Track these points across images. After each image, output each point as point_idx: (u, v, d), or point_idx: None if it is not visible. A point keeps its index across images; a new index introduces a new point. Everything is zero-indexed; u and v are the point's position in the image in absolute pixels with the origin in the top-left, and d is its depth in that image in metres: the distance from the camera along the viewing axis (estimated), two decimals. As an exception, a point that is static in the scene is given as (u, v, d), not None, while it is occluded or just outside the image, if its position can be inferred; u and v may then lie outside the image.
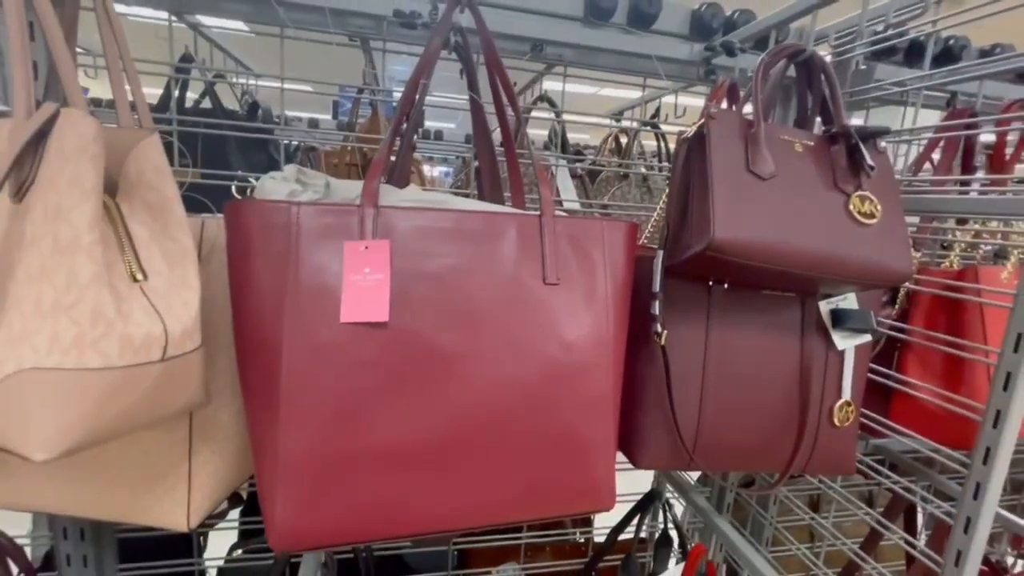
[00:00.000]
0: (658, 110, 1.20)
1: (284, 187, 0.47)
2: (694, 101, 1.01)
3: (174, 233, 0.40)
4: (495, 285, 0.48)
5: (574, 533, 1.23)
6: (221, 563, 1.01)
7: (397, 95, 0.67)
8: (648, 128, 1.16)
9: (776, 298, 0.66)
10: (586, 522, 1.19)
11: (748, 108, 0.62)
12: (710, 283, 0.65)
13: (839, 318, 0.65)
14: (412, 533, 0.45)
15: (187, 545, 1.00)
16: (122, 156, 0.40)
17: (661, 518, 0.97)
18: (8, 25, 0.41)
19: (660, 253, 0.61)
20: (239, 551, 1.00)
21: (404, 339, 0.45)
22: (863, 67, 0.85)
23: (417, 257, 0.47)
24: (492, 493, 0.47)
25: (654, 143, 1.27)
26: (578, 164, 1.20)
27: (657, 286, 0.60)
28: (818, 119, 0.68)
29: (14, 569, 0.73)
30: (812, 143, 0.60)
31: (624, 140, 1.24)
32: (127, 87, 0.53)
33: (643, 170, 1.18)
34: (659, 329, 0.60)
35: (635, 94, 1.09)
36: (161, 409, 0.40)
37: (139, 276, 0.38)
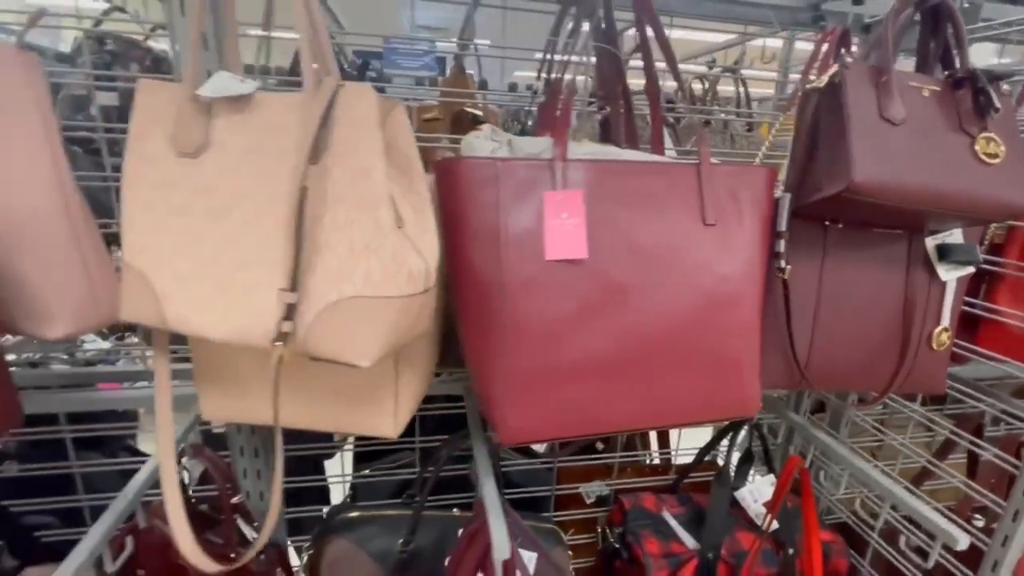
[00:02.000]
0: (741, 55, 1.22)
1: (487, 145, 0.54)
2: (775, 44, 1.02)
3: (418, 187, 0.48)
4: (664, 226, 0.56)
5: (646, 454, 1.36)
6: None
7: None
8: (729, 74, 1.18)
9: (885, 235, 0.72)
10: (664, 444, 1.32)
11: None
12: (826, 222, 0.71)
13: (945, 252, 0.71)
14: (605, 431, 0.55)
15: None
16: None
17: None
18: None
19: (787, 196, 0.67)
20: (367, 470, 1.15)
21: (593, 273, 0.54)
22: (967, 5, 0.86)
23: (600, 202, 0.54)
24: (663, 400, 0.56)
25: (729, 89, 1.29)
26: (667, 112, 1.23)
27: (783, 225, 0.67)
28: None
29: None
30: (938, 88, 0.64)
31: (700, 87, 1.26)
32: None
33: (723, 116, 1.21)
34: (783, 265, 0.68)
35: (708, 37, 1.10)
36: (414, 331, 0.49)
37: (400, 224, 0.46)
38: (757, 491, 1.02)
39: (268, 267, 0.46)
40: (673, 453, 1.25)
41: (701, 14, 0.87)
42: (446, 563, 0.88)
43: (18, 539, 0.84)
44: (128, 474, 1.07)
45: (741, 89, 1.26)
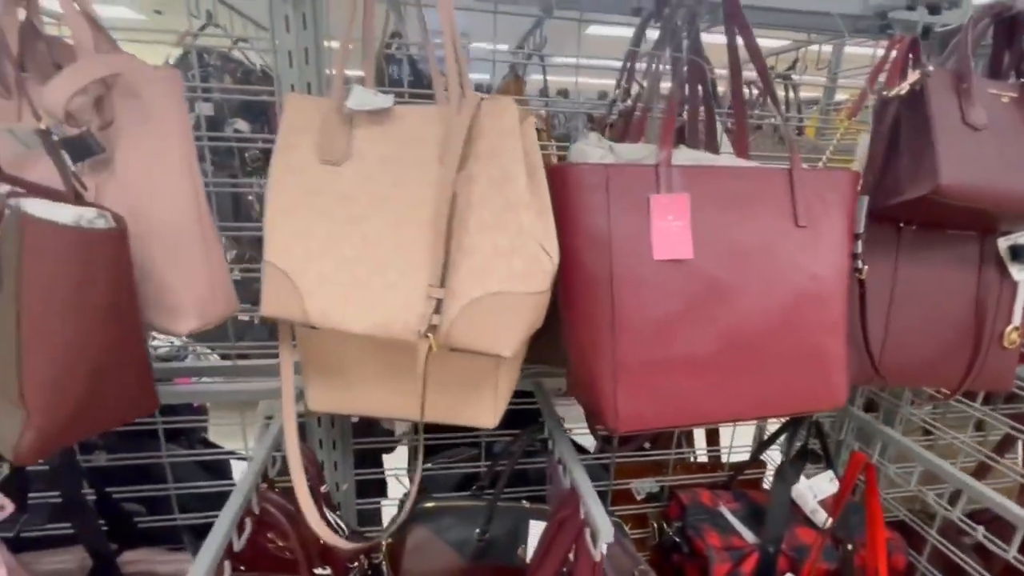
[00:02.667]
0: (795, 61, 1.24)
1: (596, 151, 0.58)
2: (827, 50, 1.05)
3: (541, 192, 0.52)
4: (759, 228, 0.59)
5: (691, 452, 1.39)
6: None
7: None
8: (780, 79, 1.21)
9: (957, 236, 0.75)
10: (712, 441, 1.34)
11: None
12: (900, 224, 0.74)
13: (1017, 252, 0.74)
14: (707, 421, 0.58)
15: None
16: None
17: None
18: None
19: (864, 198, 0.70)
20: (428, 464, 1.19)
21: (697, 272, 0.57)
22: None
23: (702, 205, 0.57)
24: (760, 393, 0.60)
25: (779, 93, 1.32)
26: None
27: (861, 227, 0.70)
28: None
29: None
30: (1016, 94, 0.66)
31: (752, 91, 1.29)
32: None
33: (773, 121, 1.23)
34: (860, 265, 0.71)
35: (764, 43, 1.13)
36: (536, 326, 0.53)
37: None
38: (816, 487, 1.04)
39: (409, 267, 0.50)
40: (725, 451, 1.28)
41: (765, 23, 0.90)
42: (520, 551, 0.92)
43: (118, 525, 0.89)
44: (208, 465, 1.13)
45: (791, 94, 1.28)
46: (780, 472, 1.01)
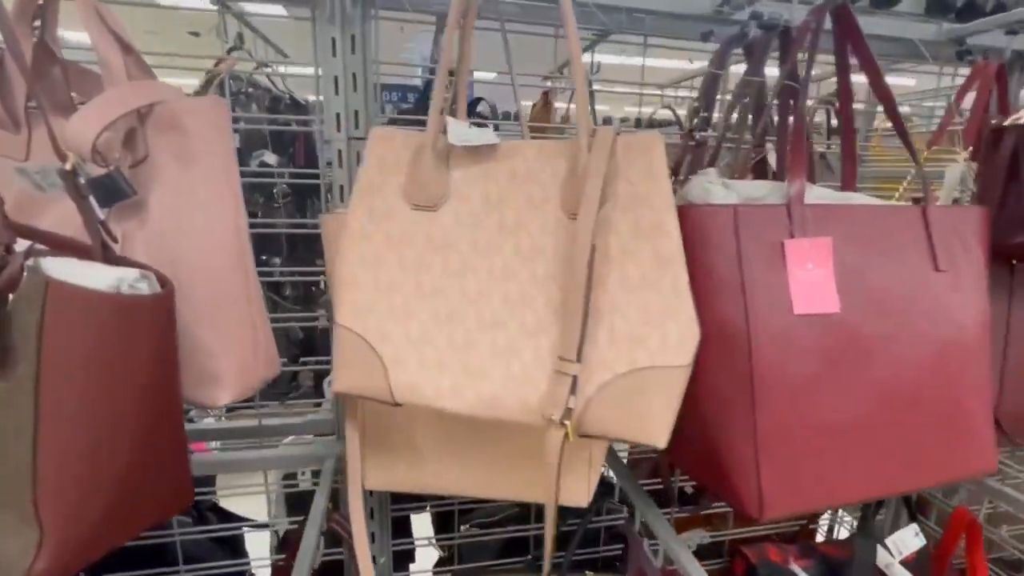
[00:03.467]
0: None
1: (719, 190, 0.50)
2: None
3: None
4: (900, 274, 0.52)
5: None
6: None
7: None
8: (825, 105, 1.17)
9: (1072, 273, 0.69)
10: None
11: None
12: (1013, 262, 0.68)
13: None
14: (859, 499, 0.50)
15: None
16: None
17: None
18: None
19: (980, 235, 0.64)
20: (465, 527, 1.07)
21: (841, 326, 0.49)
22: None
23: (838, 249, 0.50)
24: (913, 461, 0.51)
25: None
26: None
27: (979, 267, 0.63)
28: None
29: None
30: None
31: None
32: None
33: (819, 149, 1.19)
34: (978, 307, 0.64)
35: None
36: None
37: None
38: (900, 542, 0.95)
39: (525, 330, 0.41)
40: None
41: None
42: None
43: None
44: (225, 539, 0.99)
45: (832, 120, 1.25)
46: (864, 528, 0.92)
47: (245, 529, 1.00)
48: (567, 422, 0.38)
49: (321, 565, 0.88)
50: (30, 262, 0.38)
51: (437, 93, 0.43)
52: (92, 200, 0.44)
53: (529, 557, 0.91)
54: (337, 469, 0.77)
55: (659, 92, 1.15)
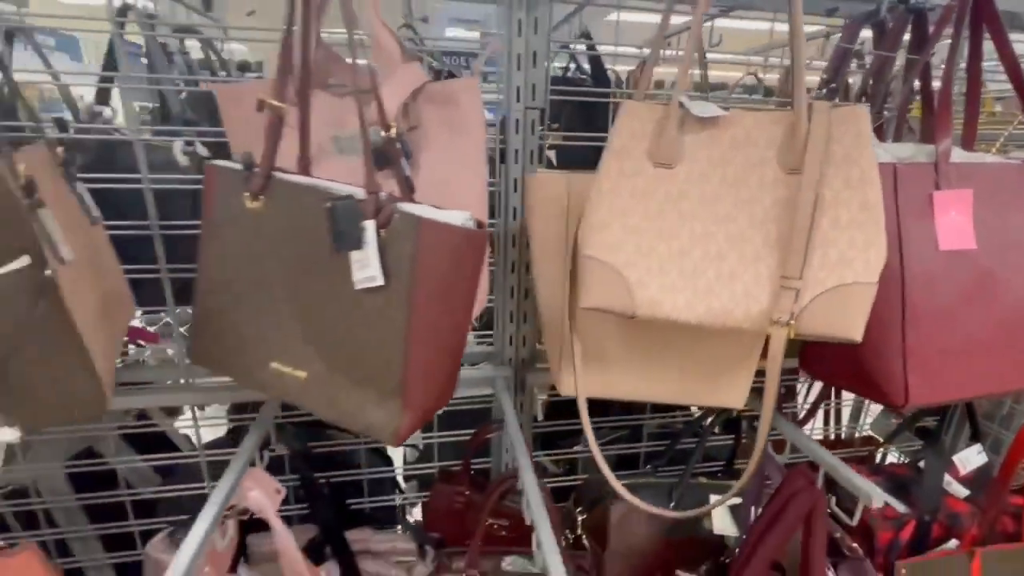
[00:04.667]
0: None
1: (878, 152, 0.62)
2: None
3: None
4: (1018, 219, 0.64)
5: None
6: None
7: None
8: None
9: None
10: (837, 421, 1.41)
11: None
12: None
13: None
14: (982, 395, 0.64)
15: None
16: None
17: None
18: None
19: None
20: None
21: (974, 262, 0.62)
22: None
23: (979, 200, 0.62)
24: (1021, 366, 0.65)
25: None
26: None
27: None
28: None
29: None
30: None
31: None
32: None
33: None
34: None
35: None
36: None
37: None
38: (965, 459, 1.11)
39: (745, 259, 0.55)
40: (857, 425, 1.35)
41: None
42: (706, 523, 0.98)
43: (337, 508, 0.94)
44: (378, 449, 1.17)
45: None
46: (935, 447, 1.07)
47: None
48: (792, 323, 0.52)
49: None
50: (398, 205, 0.53)
51: (682, 75, 0.56)
52: (404, 161, 0.58)
53: (648, 467, 1.07)
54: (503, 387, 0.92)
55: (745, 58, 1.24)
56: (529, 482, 0.65)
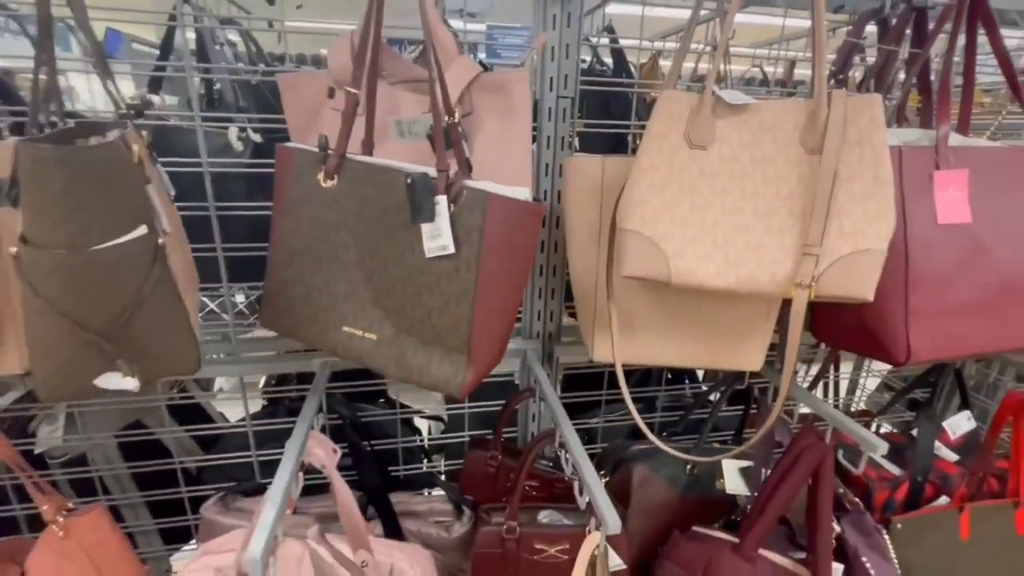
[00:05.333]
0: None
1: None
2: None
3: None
4: (1014, 196, 0.72)
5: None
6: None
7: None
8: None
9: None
10: (836, 393, 1.50)
11: None
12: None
13: None
14: (977, 354, 0.72)
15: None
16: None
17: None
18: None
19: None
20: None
21: (970, 234, 0.70)
22: None
23: (974, 179, 0.70)
24: (1014, 328, 0.73)
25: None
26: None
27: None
28: None
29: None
30: None
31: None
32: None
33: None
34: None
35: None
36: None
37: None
38: (955, 425, 1.20)
39: (770, 231, 0.62)
40: (853, 399, 1.44)
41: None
42: (719, 484, 1.06)
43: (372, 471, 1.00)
44: (406, 420, 1.24)
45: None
46: (927, 413, 1.16)
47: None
48: (813, 285, 0.59)
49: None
50: (466, 182, 0.59)
51: (715, 66, 0.62)
52: (464, 143, 0.64)
53: (664, 435, 1.15)
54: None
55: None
56: (569, 432, 0.72)
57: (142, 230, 0.51)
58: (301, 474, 0.73)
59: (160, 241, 0.53)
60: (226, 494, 0.98)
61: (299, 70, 0.98)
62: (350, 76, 0.63)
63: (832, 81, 0.92)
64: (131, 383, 0.52)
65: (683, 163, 0.64)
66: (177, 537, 1.15)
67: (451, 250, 0.58)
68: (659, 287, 0.70)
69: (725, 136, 0.63)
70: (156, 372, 0.55)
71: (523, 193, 0.59)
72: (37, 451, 0.96)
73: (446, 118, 0.62)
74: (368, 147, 0.68)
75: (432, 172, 0.59)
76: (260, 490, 0.98)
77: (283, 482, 0.62)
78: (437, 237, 0.58)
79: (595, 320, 0.82)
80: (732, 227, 0.63)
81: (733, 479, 1.06)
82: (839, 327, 0.78)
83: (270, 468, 0.92)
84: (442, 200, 0.57)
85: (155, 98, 0.98)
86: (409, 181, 0.56)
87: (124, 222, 0.50)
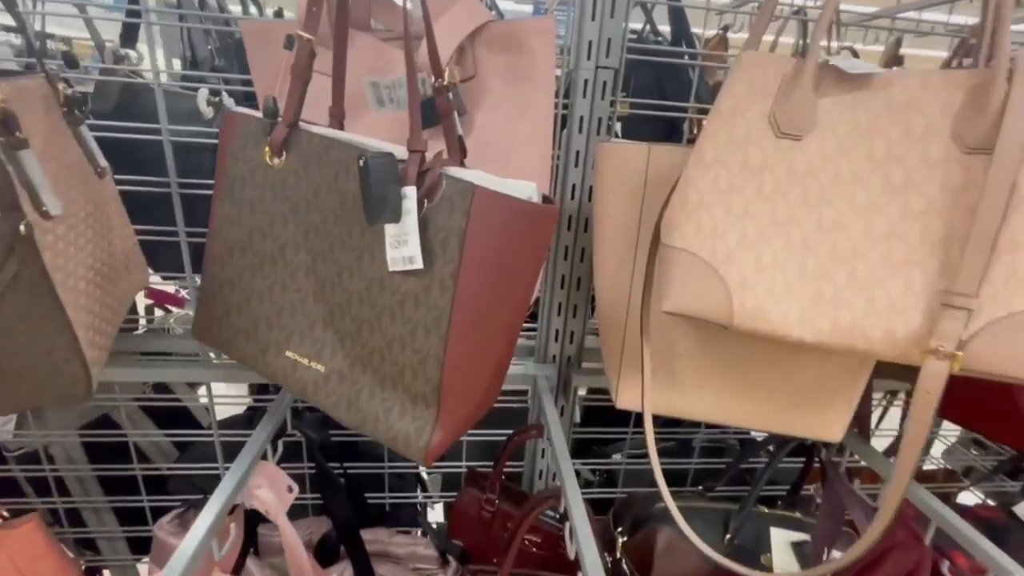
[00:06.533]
0: None
1: None
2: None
3: None
4: None
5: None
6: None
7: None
8: None
9: None
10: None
11: None
12: None
13: None
14: None
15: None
16: None
17: None
18: None
19: None
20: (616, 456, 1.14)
21: None
22: None
23: None
24: None
25: None
26: None
27: None
28: None
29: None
30: None
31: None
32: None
33: None
34: None
35: None
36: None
37: None
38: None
39: (892, 263, 0.42)
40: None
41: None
42: (764, 559, 0.86)
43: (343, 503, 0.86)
44: None
45: None
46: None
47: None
48: (959, 353, 0.39)
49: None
50: (447, 170, 0.42)
51: (822, 21, 0.42)
52: (456, 117, 0.47)
53: (700, 488, 0.96)
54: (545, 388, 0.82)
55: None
56: (577, 513, 0.55)
57: (-13, 212, 0.37)
58: (234, 527, 0.59)
59: (21, 228, 0.39)
60: (187, 509, 0.85)
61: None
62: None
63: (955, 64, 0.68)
64: (-30, 419, 0.39)
65: (764, 157, 0.44)
66: (148, 546, 1.05)
67: (419, 264, 0.41)
68: (714, 326, 0.51)
69: (831, 121, 0.43)
70: (15, 403, 0.42)
71: (527, 189, 0.41)
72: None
73: (431, 79, 0.45)
74: (338, 117, 0.52)
75: (402, 152, 0.42)
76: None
77: (190, 547, 0.47)
78: (403, 244, 0.41)
79: (622, 357, 0.64)
80: (831, 253, 0.43)
81: (783, 556, 0.86)
82: (976, 405, 0.56)
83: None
84: (410, 193, 0.41)
85: (132, 53, 0.85)
86: (361, 163, 0.39)
87: (-46, 199, 0.35)
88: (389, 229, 0.42)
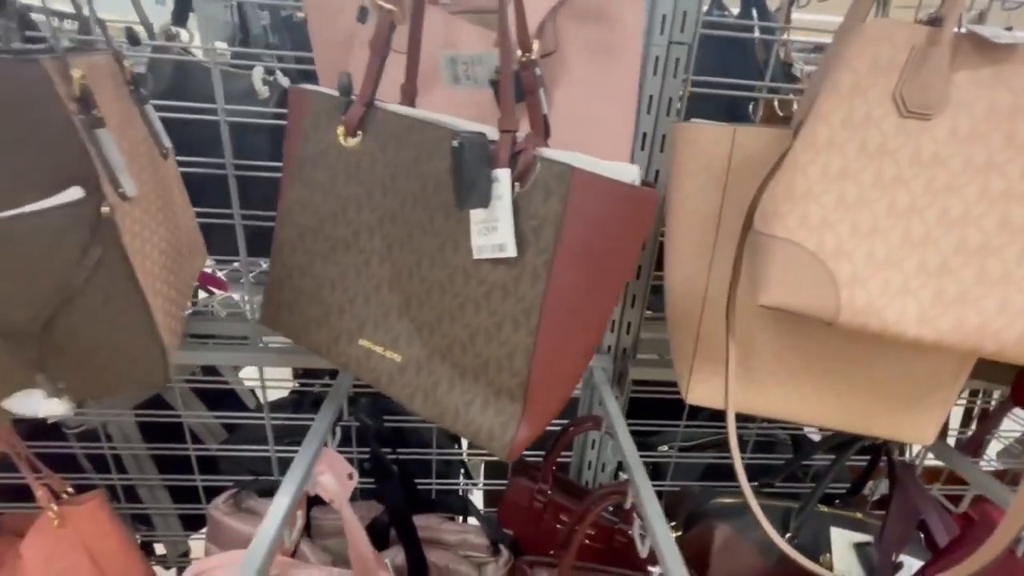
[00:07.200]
0: None
1: None
2: None
3: None
4: None
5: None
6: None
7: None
8: None
9: None
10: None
11: None
12: None
13: None
14: None
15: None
16: None
17: None
18: None
19: None
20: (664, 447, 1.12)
21: None
22: None
23: None
24: None
25: None
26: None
27: None
28: None
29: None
30: None
31: None
32: None
33: None
34: None
35: None
36: None
37: None
38: None
39: (1030, 258, 0.38)
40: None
41: None
42: (823, 559, 0.83)
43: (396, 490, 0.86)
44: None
45: None
46: None
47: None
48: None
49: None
50: (542, 151, 0.39)
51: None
52: (541, 93, 0.44)
53: (756, 484, 0.93)
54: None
55: None
56: (652, 511, 0.52)
57: (73, 193, 0.35)
58: (300, 513, 0.59)
59: (106, 210, 0.37)
60: (239, 491, 0.86)
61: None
62: (391, -8, 0.44)
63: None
64: (58, 406, 0.38)
65: (886, 139, 0.40)
66: (199, 523, 1.08)
67: (511, 252, 0.39)
68: (802, 320, 0.48)
69: (967, 100, 0.39)
70: (97, 390, 0.41)
71: (629, 172, 0.38)
72: (50, 420, 0.89)
73: (519, 54, 0.42)
74: (410, 94, 0.49)
75: (492, 133, 0.39)
76: (275, 489, 0.86)
77: (267, 537, 0.47)
78: (491, 231, 0.39)
79: (696, 351, 0.61)
80: (958, 246, 0.40)
81: (845, 558, 0.83)
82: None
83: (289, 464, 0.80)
84: (503, 176, 0.38)
85: (183, 32, 0.84)
86: (456, 144, 0.36)
87: (42, 181, 0.34)
88: (476, 215, 0.40)
